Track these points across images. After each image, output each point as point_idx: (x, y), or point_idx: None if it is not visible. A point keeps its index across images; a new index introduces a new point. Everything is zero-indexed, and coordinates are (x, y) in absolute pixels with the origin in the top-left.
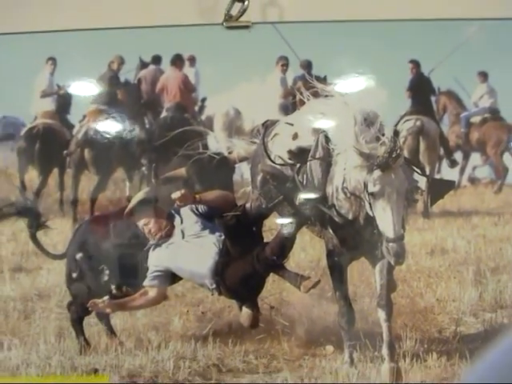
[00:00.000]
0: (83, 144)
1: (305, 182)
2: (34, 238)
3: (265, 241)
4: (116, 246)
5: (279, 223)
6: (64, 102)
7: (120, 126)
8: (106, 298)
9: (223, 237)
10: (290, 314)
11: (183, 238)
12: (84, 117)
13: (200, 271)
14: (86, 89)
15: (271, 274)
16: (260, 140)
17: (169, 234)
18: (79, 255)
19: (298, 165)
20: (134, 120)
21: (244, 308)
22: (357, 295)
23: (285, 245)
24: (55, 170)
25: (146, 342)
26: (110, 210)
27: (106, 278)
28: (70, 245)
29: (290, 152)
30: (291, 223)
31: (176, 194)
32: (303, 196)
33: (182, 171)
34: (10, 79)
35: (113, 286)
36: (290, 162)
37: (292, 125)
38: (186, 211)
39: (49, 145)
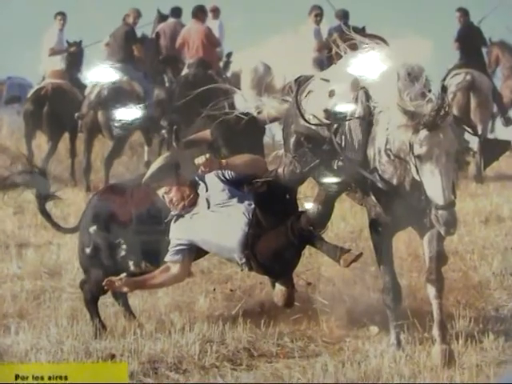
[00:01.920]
0: (96, 106)
1: (343, 143)
2: (42, 209)
3: (300, 209)
4: (134, 217)
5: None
6: (74, 61)
7: (137, 86)
8: (123, 275)
9: (253, 206)
10: (329, 292)
11: (209, 207)
12: (97, 76)
13: (228, 244)
14: (98, 45)
15: (307, 247)
16: (293, 98)
17: (192, 204)
18: (93, 228)
19: (336, 125)
20: (153, 78)
21: (277, 285)
22: (403, 269)
23: (322, 214)
24: (66, 135)
25: (168, 324)
26: (126, 177)
27: (123, 253)
28: (83, 217)
29: (326, 111)
30: (329, 189)
31: (200, 159)
32: (342, 159)
33: (207, 134)
34: (15, 37)
35: (131, 262)
36: (326, 121)
37: (328, 81)
38: (211, 178)
39: (58, 107)
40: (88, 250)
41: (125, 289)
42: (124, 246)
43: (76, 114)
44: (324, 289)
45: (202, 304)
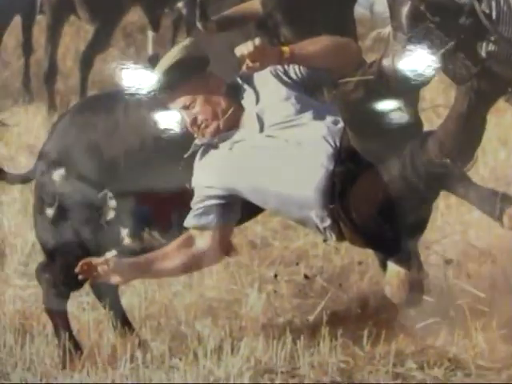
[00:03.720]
0: None
1: (494, 13)
2: None
3: (425, 129)
4: (130, 151)
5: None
6: None
7: None
8: (111, 253)
9: (341, 124)
10: (486, 275)
11: (262, 130)
12: None
13: (299, 193)
14: None
15: (442, 194)
16: None
17: (233, 125)
18: (60, 172)
19: None
20: None
21: (391, 265)
22: None
23: (465, 135)
24: (16, 19)
25: (192, 340)
26: (116, 86)
27: (111, 214)
28: (43, 154)
29: None
30: (476, 92)
31: (245, 48)
32: (493, 40)
33: (254, 5)
34: None
35: (125, 231)
36: None
37: None
38: (265, 79)
39: None
40: (51, 212)
41: (114, 278)
42: (113, 203)
43: None
44: (476, 270)
45: (253, 304)
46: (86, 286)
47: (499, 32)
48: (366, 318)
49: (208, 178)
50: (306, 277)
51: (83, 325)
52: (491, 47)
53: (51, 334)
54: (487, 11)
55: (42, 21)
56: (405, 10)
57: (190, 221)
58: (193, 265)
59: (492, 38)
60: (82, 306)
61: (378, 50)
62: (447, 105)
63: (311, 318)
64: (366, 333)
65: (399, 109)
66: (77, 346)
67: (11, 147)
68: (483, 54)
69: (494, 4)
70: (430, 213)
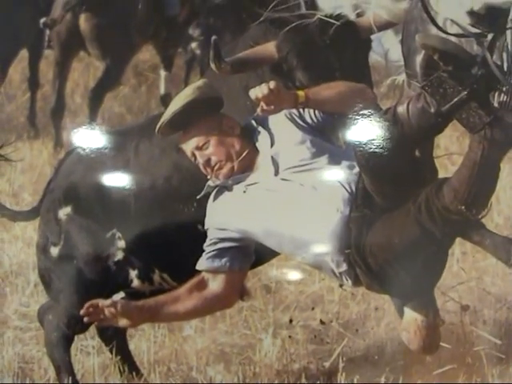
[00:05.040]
0: (78, 5)
1: (506, 64)
2: None
3: (440, 176)
4: (140, 190)
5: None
6: None
7: None
8: (119, 295)
9: (357, 170)
10: (502, 321)
11: (277, 173)
12: None
13: (314, 238)
14: None
15: (458, 241)
16: None
17: (247, 167)
18: (66, 211)
19: (490, 35)
20: None
21: (408, 312)
22: None
23: (479, 183)
24: (22, 53)
25: None
26: (128, 122)
27: (119, 255)
28: (48, 192)
29: (472, 13)
30: (490, 142)
31: (259, 91)
32: (505, 90)
33: (270, 49)
34: None
35: (133, 273)
36: (473, 29)
37: None
38: (280, 122)
39: (11, 8)
40: (55, 251)
41: (122, 321)
42: (121, 243)
43: (42, 20)
44: (492, 316)
45: (267, 349)
46: (92, 329)
47: (511, 83)
48: (383, 364)
49: (222, 220)
50: (321, 322)
51: (88, 369)
52: (503, 97)
53: (53, 378)
54: (499, 63)
55: (49, 55)
56: (419, 58)
57: (202, 263)
58: (205, 309)
59: (504, 89)
60: (86, 349)
61: (393, 96)
62: (461, 153)
63: (327, 364)
64: (383, 380)
65: (416, 154)
66: None
67: (14, 183)
68: (495, 103)
69: (505, 56)
70: (446, 259)
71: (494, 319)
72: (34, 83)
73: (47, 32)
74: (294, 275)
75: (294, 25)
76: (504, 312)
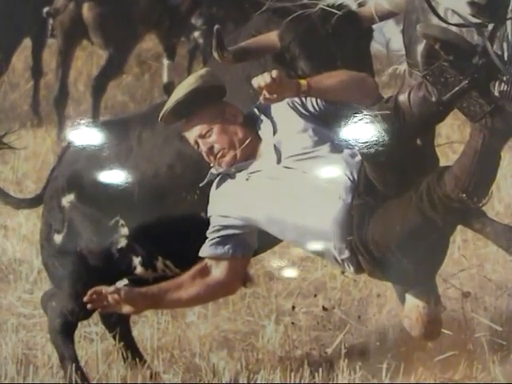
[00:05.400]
0: None
1: (506, 54)
2: None
3: (441, 164)
4: (143, 178)
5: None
6: None
7: None
8: (122, 282)
9: (359, 158)
10: (503, 308)
11: (279, 161)
12: None
13: (317, 225)
14: None
15: (459, 229)
16: None
17: (250, 155)
18: (69, 198)
19: (491, 25)
20: None
21: (409, 298)
22: None
23: (480, 171)
24: (25, 42)
25: (207, 372)
26: (131, 110)
27: (122, 242)
28: (52, 179)
29: (472, 3)
30: (491, 131)
31: (262, 80)
32: (506, 79)
33: (272, 38)
34: None
35: (137, 260)
36: (474, 19)
37: None
38: (282, 111)
39: None
40: (59, 239)
41: (126, 308)
42: (125, 231)
43: (45, 9)
44: (493, 303)
45: (270, 336)
46: (95, 316)
47: (511, 72)
48: (385, 350)
49: (224, 207)
50: (324, 309)
51: (91, 356)
52: (503, 87)
53: (57, 365)
54: (499, 52)
55: (52, 44)
56: (420, 48)
57: (205, 250)
58: (208, 295)
59: (504, 78)
60: (90, 336)
61: (395, 85)
62: (462, 141)
63: (329, 350)
64: (385, 366)
65: (418, 143)
66: (84, 379)
67: (18, 171)
68: (496, 92)
69: (505, 46)
70: (448, 246)
71: (494, 306)
72: (37, 72)
73: (50, 21)
74: (298, 261)
75: (296, 14)
76: (505, 299)
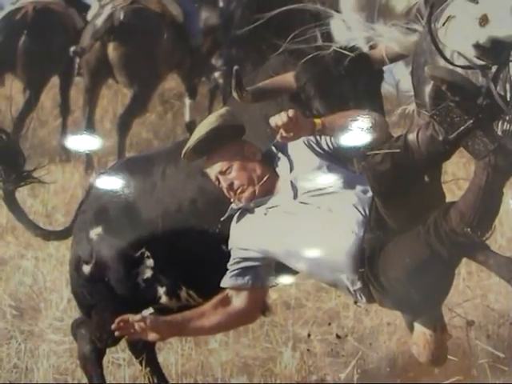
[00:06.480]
0: (106, 35)
1: (509, 95)
2: (11, 200)
3: (448, 200)
4: (167, 212)
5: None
6: None
7: (172, 5)
8: (148, 311)
9: (370, 194)
10: (506, 336)
11: (295, 197)
12: None
13: (330, 258)
14: None
15: (464, 261)
16: (424, 26)
17: (268, 191)
18: (97, 231)
19: (494, 67)
20: None
21: (418, 326)
22: None
23: (484, 207)
24: (54, 80)
25: None
26: (154, 147)
27: (148, 273)
28: (80, 212)
29: (477, 46)
30: (494, 168)
31: (279, 119)
32: (509, 119)
33: (288, 79)
34: None
35: (162, 290)
36: (479, 62)
37: (477, 2)
38: (298, 149)
39: (43, 38)
40: (87, 269)
41: (151, 335)
42: (150, 262)
43: (72, 49)
44: (495, 331)
45: (287, 362)
46: (122, 343)
47: None
48: (395, 375)
49: (244, 240)
50: (337, 336)
51: (119, 381)
52: (506, 126)
53: None
54: (502, 93)
55: (79, 82)
56: (428, 89)
57: (226, 281)
58: (229, 323)
59: (507, 118)
60: (117, 361)
61: (404, 125)
62: (467, 178)
63: (343, 375)
64: None
65: (426, 180)
66: None
67: (47, 204)
68: (499, 132)
69: (508, 86)
70: (453, 278)
71: (497, 334)
72: (65, 109)
73: (77, 60)
74: (313, 292)
75: (311, 56)
76: (507, 327)
